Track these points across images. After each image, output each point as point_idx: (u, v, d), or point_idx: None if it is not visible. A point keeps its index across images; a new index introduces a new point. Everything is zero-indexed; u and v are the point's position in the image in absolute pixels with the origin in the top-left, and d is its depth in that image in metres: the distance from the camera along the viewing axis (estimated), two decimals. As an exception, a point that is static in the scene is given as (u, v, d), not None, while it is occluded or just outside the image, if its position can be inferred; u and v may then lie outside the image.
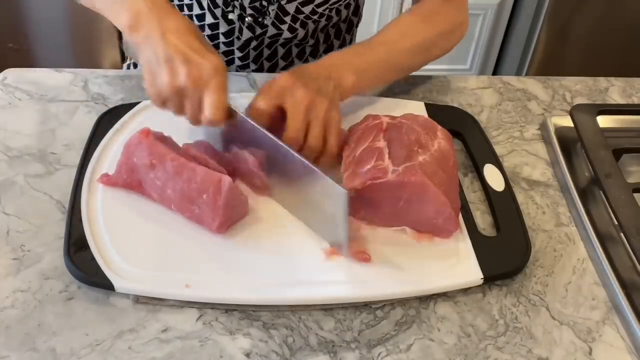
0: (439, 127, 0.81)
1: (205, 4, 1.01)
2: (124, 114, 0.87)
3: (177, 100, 0.74)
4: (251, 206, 0.77)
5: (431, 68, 2.33)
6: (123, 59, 2.22)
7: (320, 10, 1.00)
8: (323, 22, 1.05)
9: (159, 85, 0.73)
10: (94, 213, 0.74)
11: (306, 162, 0.72)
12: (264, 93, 0.78)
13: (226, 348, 0.66)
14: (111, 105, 0.90)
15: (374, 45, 0.89)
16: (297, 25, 1.02)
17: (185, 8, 1.04)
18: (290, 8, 0.98)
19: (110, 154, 0.82)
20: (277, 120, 0.78)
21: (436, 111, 0.93)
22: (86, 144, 0.83)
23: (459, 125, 0.92)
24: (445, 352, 0.67)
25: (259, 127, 0.75)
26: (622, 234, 0.77)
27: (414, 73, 0.98)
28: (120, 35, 2.16)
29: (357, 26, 1.15)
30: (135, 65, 1.13)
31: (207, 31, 1.04)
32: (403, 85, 1.00)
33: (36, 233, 0.74)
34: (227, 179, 0.71)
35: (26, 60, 2.14)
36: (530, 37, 2.19)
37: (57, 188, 0.79)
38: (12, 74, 0.96)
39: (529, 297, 0.73)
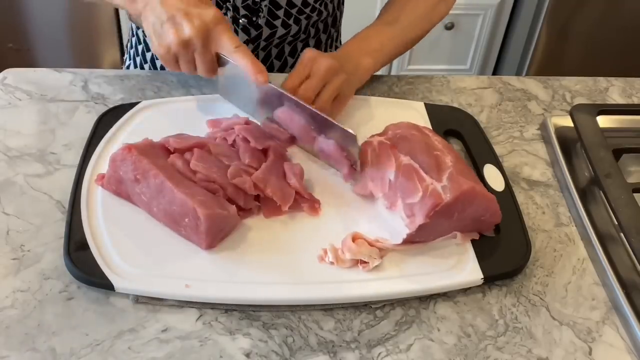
0: (418, 124, 0.82)
1: None
2: (124, 113, 0.87)
3: (187, 55, 0.79)
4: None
5: (431, 68, 2.34)
6: (122, 58, 2.22)
7: (310, 1, 1.02)
8: (314, 17, 1.06)
9: (166, 44, 0.77)
10: (93, 213, 0.74)
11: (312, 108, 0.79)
12: (293, 72, 0.85)
13: (226, 348, 0.66)
14: (111, 105, 0.90)
15: (381, 27, 0.95)
16: (291, 22, 1.04)
17: None
18: (282, 1, 1.00)
19: (110, 154, 0.81)
20: None
21: (436, 111, 0.93)
22: (86, 144, 0.83)
23: (459, 125, 0.92)
24: (445, 352, 0.67)
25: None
26: (622, 234, 0.77)
27: (414, 73, 0.98)
28: (120, 34, 2.17)
29: (340, 20, 1.18)
30: (135, 65, 1.14)
31: None
32: (403, 86, 1.00)
33: (36, 233, 0.74)
34: (202, 212, 0.69)
35: (26, 60, 2.15)
36: (530, 37, 2.20)
37: (57, 188, 0.79)
38: (12, 74, 0.95)
39: (529, 297, 0.73)
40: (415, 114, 0.92)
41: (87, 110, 0.90)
